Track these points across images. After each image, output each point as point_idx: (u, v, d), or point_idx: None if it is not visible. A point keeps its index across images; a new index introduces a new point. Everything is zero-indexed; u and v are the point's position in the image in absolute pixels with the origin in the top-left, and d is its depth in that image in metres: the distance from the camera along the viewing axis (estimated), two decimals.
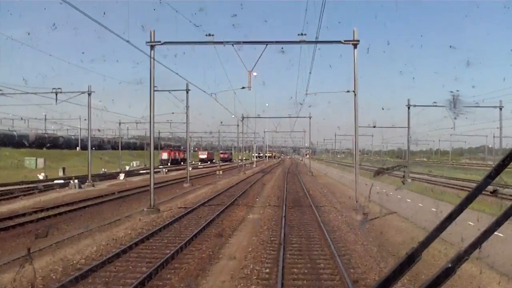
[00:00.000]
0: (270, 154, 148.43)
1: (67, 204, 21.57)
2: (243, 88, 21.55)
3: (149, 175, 49.07)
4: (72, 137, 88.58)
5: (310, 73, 39.87)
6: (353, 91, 20.26)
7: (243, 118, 53.60)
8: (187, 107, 34.68)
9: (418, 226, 16.66)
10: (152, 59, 19.98)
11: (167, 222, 16.48)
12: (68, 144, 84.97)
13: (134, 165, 75.91)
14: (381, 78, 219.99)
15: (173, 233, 14.82)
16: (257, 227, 16.00)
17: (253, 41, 20.55)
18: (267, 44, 20.14)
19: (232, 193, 28.55)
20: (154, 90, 20.21)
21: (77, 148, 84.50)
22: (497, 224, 1.48)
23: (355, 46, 20.12)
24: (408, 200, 25.61)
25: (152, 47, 20.08)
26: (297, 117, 52.95)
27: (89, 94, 35.11)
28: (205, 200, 23.86)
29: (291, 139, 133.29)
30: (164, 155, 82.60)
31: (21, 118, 79.53)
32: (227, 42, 20.20)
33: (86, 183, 35.35)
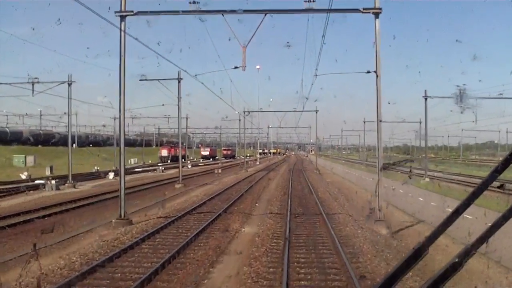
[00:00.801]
0: (275, 151, 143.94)
1: (22, 213, 17.48)
2: (235, 68, 17.31)
3: (143, 173, 44.48)
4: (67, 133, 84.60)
5: (322, 46, 34.96)
6: (375, 72, 15.97)
7: (244, 112, 49.43)
8: (179, 98, 30.50)
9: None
10: (122, 32, 15.79)
11: (134, 241, 12.31)
12: (65, 141, 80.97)
13: (132, 162, 71.90)
14: (387, 72, 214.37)
15: (132, 262, 10.58)
16: (251, 251, 11.79)
17: (249, 10, 16.31)
18: (265, 14, 15.91)
19: (229, 195, 24.40)
20: (124, 72, 16.02)
21: (74, 145, 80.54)
22: (504, 218, 1.45)
23: (376, 15, 15.81)
24: (432, 203, 21.38)
25: (122, 17, 15.89)
26: (303, 110, 48.71)
27: (69, 84, 31.04)
28: (194, 206, 19.72)
29: (296, 135, 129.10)
30: (164, 152, 78.59)
31: (26, 114, 75.77)
32: (216, 12, 15.99)
33: (67, 184, 31.36)
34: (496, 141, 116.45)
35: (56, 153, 72.06)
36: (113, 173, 39.36)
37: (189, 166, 60.86)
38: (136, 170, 54.44)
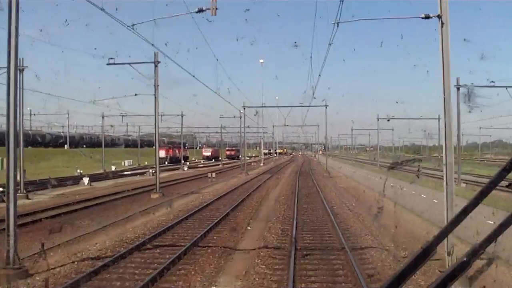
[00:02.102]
0: (281, 151, 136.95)
1: None
2: (200, 11, 10.55)
3: (131, 177, 37.02)
4: (61, 133, 78.54)
5: (328, 51, 28.33)
6: (438, 16, 9.18)
7: (244, 108, 42.67)
8: (155, 86, 23.77)
9: None
10: None
11: None
12: (55, 141, 75.09)
13: (126, 164, 65.60)
14: (394, 71, 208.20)
15: None
16: None
17: None
18: None
19: (214, 213, 17.76)
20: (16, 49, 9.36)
21: (65, 146, 74.51)
22: None
23: None
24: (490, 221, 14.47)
25: None
26: (310, 106, 41.99)
27: (21, 71, 24.56)
28: (155, 232, 13.12)
29: (304, 134, 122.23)
30: (161, 153, 71.95)
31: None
32: None
33: (19, 194, 24.88)
34: (504, 140, 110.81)
35: (44, 154, 66.12)
36: (87, 179, 32.87)
37: (185, 169, 54.36)
38: (125, 173, 48.03)
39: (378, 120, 55.51)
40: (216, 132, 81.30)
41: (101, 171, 51.75)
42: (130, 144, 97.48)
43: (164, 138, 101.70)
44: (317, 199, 23.14)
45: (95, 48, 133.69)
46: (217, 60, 53.59)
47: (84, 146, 76.71)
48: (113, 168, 54.42)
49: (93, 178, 36.42)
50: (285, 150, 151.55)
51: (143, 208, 18.82)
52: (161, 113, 53.06)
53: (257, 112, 64.25)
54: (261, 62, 59.96)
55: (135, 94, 28.82)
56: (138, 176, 43.19)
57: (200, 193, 25.21)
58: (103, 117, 51.97)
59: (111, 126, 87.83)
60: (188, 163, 72.45)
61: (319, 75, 37.41)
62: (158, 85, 23.64)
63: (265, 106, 42.32)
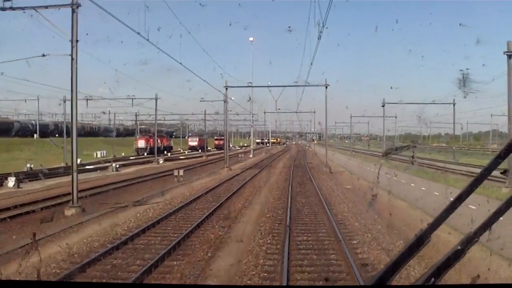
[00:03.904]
0: (274, 140, 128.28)
1: None
2: None
3: (92, 172, 29.30)
4: (33, 122, 69.69)
5: (321, 34, 20.03)
6: None
7: (226, 88, 33.94)
8: (72, 40, 15.15)
9: None
10: None
11: None
12: (25, 131, 66.40)
13: (99, 155, 56.94)
14: (389, 57, 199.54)
15: None
16: None
17: None
18: None
19: (147, 249, 9.55)
20: None
21: (34, 135, 65.73)
22: (507, 205, 1.42)
23: None
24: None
25: None
26: (306, 85, 33.54)
27: None
28: None
29: (298, 122, 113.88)
30: (141, 143, 63.50)
31: None
32: None
33: None
34: (500, 130, 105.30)
35: (9, 144, 57.60)
36: (13, 179, 24.36)
37: (161, 161, 45.84)
38: (88, 167, 39.38)
39: (383, 105, 47.17)
40: (202, 119, 72.40)
41: (63, 164, 43.40)
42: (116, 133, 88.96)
43: (144, 127, 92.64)
44: (320, 210, 15.04)
45: (87, 34, 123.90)
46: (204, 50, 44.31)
47: (57, 135, 67.79)
48: (79, 160, 45.38)
49: (32, 176, 28.06)
50: (278, 139, 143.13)
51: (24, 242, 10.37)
52: (132, 96, 44.63)
53: (250, 98, 56.00)
54: (251, 40, 51.02)
55: (43, 55, 20.12)
56: (98, 171, 34.74)
57: (149, 204, 16.78)
58: (65, 101, 43.15)
59: (103, 113, 79.14)
60: (169, 154, 63.98)
61: (311, 64, 30.00)
62: (77, 41, 15.05)
63: (252, 86, 33.71)
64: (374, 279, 1.45)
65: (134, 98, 41.67)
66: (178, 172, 24.87)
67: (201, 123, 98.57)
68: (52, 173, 31.90)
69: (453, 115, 51.48)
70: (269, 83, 36.78)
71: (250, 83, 32.98)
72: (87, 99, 42.34)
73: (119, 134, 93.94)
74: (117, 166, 36.16)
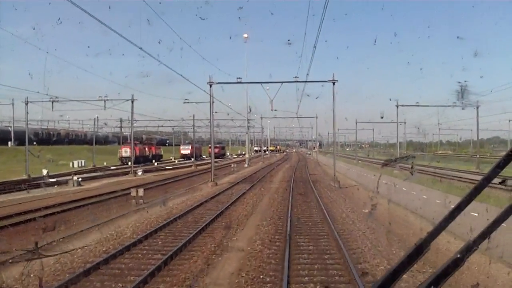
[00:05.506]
0: (273, 148, 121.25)
1: None
2: None
3: (52, 187, 19.80)
4: (9, 128, 63.03)
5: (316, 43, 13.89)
6: None
7: (211, 85, 27.13)
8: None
9: None
10: None
11: None
12: (3, 137, 59.72)
13: (76, 165, 50.17)
14: (387, 69, 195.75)
15: None
16: None
17: None
18: None
19: None
20: None
21: (9, 143, 58.94)
22: (506, 214, 1.40)
23: None
24: None
25: None
26: (309, 81, 26.94)
27: None
28: None
29: (299, 129, 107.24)
30: (125, 152, 56.64)
31: None
32: None
33: None
34: (501, 137, 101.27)
35: None
36: None
37: (139, 173, 39.04)
38: (50, 181, 32.47)
39: (397, 107, 40.47)
40: (199, 126, 65.60)
41: (24, 176, 36.69)
42: (101, 140, 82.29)
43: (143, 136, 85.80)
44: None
45: (89, 47, 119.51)
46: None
47: (35, 143, 61.02)
48: (44, 172, 38.39)
49: None
50: (278, 147, 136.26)
51: None
52: (104, 96, 37.68)
53: (250, 110, 50.24)
54: (245, 37, 44.41)
55: None
56: (55, 186, 27.96)
57: (54, 254, 9.99)
58: (26, 103, 36.57)
59: (105, 124, 73.77)
60: (156, 163, 57.20)
61: (307, 74, 24.09)
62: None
63: (242, 82, 26.97)
64: None
65: (107, 100, 34.77)
66: (137, 191, 18.05)
67: (198, 130, 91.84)
68: None
69: (476, 119, 45.27)
70: (267, 88, 30.02)
71: (239, 78, 26.20)
72: (52, 101, 35.63)
73: (107, 142, 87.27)
74: (79, 180, 29.29)
